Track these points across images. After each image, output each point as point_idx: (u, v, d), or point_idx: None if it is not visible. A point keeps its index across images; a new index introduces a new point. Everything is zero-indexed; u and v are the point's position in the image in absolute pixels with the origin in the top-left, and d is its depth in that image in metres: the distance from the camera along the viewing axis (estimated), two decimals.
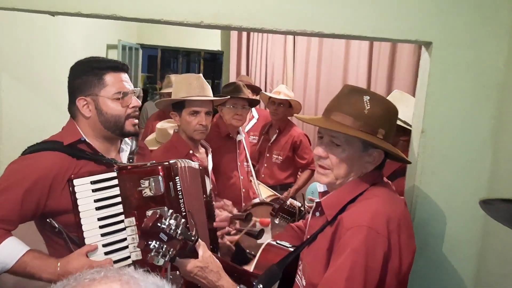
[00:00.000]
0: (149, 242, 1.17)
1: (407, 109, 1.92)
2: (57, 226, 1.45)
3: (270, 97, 3.62)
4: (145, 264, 1.38)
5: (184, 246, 1.23)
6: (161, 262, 1.18)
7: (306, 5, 1.66)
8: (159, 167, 1.48)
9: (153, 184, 1.46)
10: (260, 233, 2.01)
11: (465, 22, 1.67)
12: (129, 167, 1.52)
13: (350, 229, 1.21)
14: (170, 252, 1.19)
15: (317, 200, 1.42)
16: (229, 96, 2.67)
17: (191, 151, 2.28)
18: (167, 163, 1.51)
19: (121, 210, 1.48)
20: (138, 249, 1.46)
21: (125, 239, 1.47)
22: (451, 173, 1.74)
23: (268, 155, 3.65)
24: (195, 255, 1.28)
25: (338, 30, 1.69)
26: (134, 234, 1.47)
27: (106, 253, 1.44)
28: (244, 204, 2.73)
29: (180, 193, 1.50)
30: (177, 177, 1.50)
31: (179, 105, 2.26)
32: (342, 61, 4.44)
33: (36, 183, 1.43)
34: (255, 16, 1.67)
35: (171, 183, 1.48)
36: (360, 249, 1.17)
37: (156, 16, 1.66)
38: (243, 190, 2.80)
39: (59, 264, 1.38)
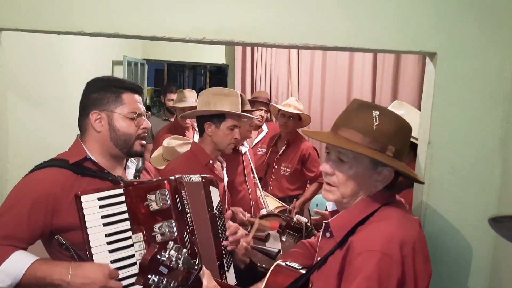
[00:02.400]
0: (148, 277, 1.14)
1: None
2: (64, 243, 1.46)
3: (279, 110, 3.60)
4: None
5: (187, 276, 1.19)
6: None
7: (308, 19, 1.66)
8: (165, 181, 1.50)
9: (159, 197, 1.47)
10: (277, 254, 1.99)
11: (470, 32, 1.66)
12: (135, 183, 1.53)
13: (362, 254, 1.16)
14: (171, 285, 1.15)
15: (326, 220, 1.39)
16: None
17: (211, 161, 2.34)
18: (173, 177, 1.53)
19: (129, 227, 1.48)
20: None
21: (133, 255, 1.47)
22: (460, 184, 1.72)
23: (276, 167, 3.63)
24: (199, 284, 1.24)
25: (341, 43, 1.68)
26: (142, 250, 1.46)
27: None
28: (254, 215, 2.73)
29: (187, 207, 1.51)
30: (183, 191, 1.52)
31: (218, 118, 2.32)
32: (347, 73, 4.43)
33: (40, 198, 1.44)
34: (257, 31, 1.67)
35: (177, 197, 1.50)
36: (372, 276, 1.12)
37: (159, 33, 1.67)
38: (253, 202, 2.83)
39: (71, 269, 1.38)
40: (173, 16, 1.66)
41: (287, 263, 1.53)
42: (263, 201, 3.04)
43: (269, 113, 4.45)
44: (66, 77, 3.34)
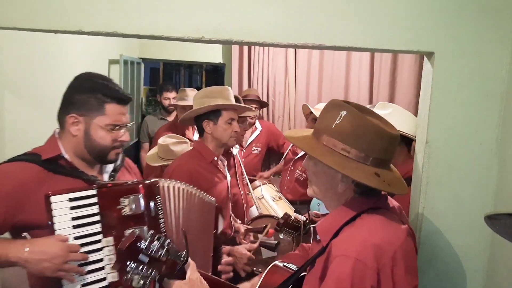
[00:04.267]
0: (127, 263, 1.14)
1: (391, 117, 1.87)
2: None
3: (311, 112, 3.53)
4: (121, 286, 1.34)
5: (172, 266, 1.20)
6: (140, 284, 1.15)
7: (306, 18, 1.66)
8: (140, 186, 1.45)
9: (133, 202, 1.42)
10: (277, 245, 1.99)
11: (467, 32, 1.66)
12: (109, 185, 1.48)
13: (337, 258, 1.14)
14: (152, 274, 1.15)
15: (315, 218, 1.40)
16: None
17: (215, 158, 2.37)
18: (148, 181, 1.48)
19: (99, 230, 1.42)
20: (115, 270, 1.39)
21: (101, 259, 1.42)
22: (457, 183, 1.73)
23: (292, 168, 3.63)
24: (183, 275, 1.24)
25: (339, 42, 1.68)
26: (111, 255, 1.41)
27: (81, 275, 1.39)
28: (246, 218, 2.73)
29: (161, 213, 1.47)
30: (158, 196, 1.47)
31: (214, 114, 2.35)
32: (344, 72, 4.43)
33: (2, 193, 1.40)
34: (256, 31, 1.67)
35: (152, 202, 1.45)
36: (345, 281, 1.10)
37: (157, 33, 1.66)
38: (245, 205, 2.82)
39: (27, 244, 1.32)
40: (171, 15, 1.65)
41: (285, 264, 1.53)
42: (256, 203, 3.06)
43: (261, 110, 4.45)
44: (63, 76, 3.31)
